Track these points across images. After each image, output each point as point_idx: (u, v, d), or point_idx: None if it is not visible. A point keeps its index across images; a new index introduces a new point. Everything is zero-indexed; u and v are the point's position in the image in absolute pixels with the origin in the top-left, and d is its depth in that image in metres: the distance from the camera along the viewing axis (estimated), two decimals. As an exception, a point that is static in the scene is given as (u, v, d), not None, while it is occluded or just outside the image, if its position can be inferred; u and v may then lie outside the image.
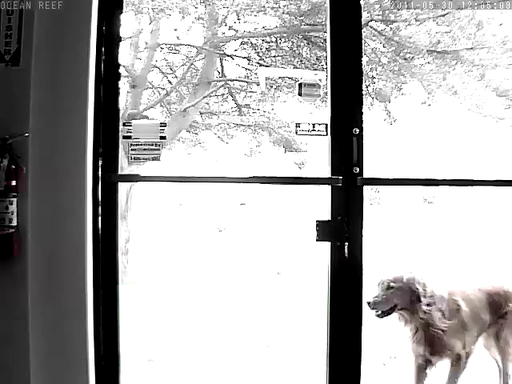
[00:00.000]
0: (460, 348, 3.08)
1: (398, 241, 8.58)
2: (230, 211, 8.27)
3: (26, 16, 2.27)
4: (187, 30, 9.03)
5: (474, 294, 3.17)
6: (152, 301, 5.41)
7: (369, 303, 2.95)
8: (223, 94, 10.26)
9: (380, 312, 3.06)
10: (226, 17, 9.09)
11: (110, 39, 2.38)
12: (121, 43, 2.44)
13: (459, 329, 3.07)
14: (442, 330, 2.98)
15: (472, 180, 2.39)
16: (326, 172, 2.99)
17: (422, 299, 2.98)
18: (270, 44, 9.28)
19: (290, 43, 9.04)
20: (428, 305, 2.99)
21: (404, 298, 2.99)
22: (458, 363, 3.10)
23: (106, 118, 2.38)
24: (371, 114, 8.86)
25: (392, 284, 3.00)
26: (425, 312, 2.98)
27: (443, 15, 8.15)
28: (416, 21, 8.30)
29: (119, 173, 2.42)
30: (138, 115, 7.95)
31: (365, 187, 2.15)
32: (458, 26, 8.21)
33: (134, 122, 2.49)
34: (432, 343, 3.01)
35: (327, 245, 3.00)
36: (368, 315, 2.51)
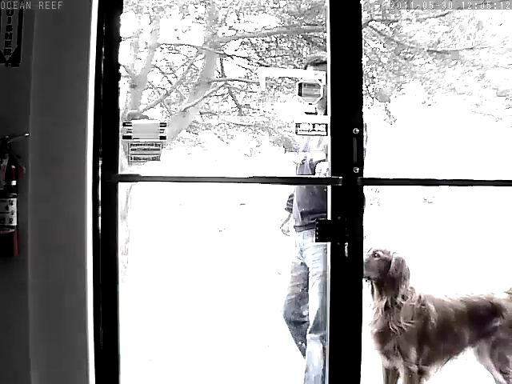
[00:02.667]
0: (414, 359, 2.76)
1: (397, 241, 8.58)
2: (230, 211, 8.27)
3: (26, 16, 2.27)
4: (187, 30, 9.03)
5: (452, 303, 2.85)
6: (152, 301, 5.41)
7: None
8: (223, 94, 10.26)
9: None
10: (226, 17, 9.10)
11: (109, 39, 2.38)
12: (121, 43, 2.44)
13: (420, 339, 2.77)
14: (401, 330, 2.73)
15: (472, 180, 2.39)
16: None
17: (399, 288, 2.80)
18: (270, 44, 9.28)
19: (290, 43, 9.04)
20: (403, 297, 2.79)
21: (382, 272, 2.84)
22: (409, 380, 2.76)
23: (106, 118, 2.38)
24: (371, 113, 8.86)
25: (379, 253, 2.86)
26: (395, 302, 2.78)
27: (443, 15, 8.15)
28: (416, 21, 8.30)
29: (119, 173, 2.41)
30: (138, 115, 7.95)
31: (365, 187, 2.15)
32: (458, 25, 8.21)
33: (133, 121, 2.48)
34: (384, 340, 2.77)
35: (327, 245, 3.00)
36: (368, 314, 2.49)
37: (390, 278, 2.81)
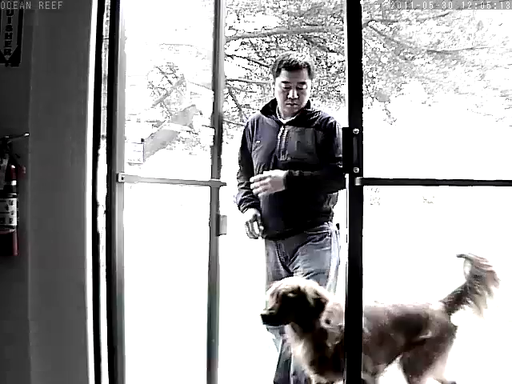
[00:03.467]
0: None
1: (397, 241, 8.59)
2: (230, 211, 8.26)
3: (26, 16, 2.27)
4: (187, 30, 9.03)
5: (384, 311, 2.60)
6: (152, 300, 5.41)
7: (264, 316, 2.54)
8: (223, 94, 10.29)
9: (275, 326, 2.72)
10: (225, 17, 9.11)
11: (109, 39, 2.37)
12: (121, 43, 2.44)
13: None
14: (334, 350, 2.48)
15: (472, 180, 2.38)
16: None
17: (320, 314, 2.52)
18: (270, 44, 9.29)
19: (290, 43, 9.05)
20: (327, 321, 2.52)
21: (300, 311, 2.52)
22: None
23: (106, 118, 2.38)
24: (371, 113, 8.87)
25: (290, 294, 2.51)
26: (321, 329, 2.51)
27: (443, 15, 8.16)
28: (416, 21, 8.31)
29: (121, 173, 2.41)
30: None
31: (365, 187, 2.14)
32: (458, 25, 8.21)
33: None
34: (320, 366, 2.55)
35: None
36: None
37: (307, 315, 2.52)
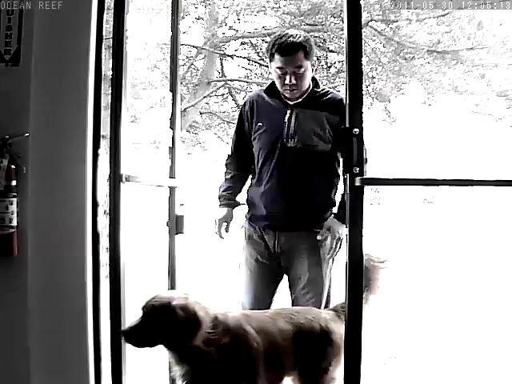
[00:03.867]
0: None
1: (397, 241, 8.58)
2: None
3: (26, 16, 2.27)
4: (187, 30, 9.04)
5: (276, 323, 2.31)
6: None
7: (125, 333, 2.15)
8: (223, 94, 10.28)
9: (139, 343, 2.15)
10: (226, 17, 9.11)
11: (113, 39, 2.37)
12: (121, 43, 2.44)
13: (246, 368, 2.19)
14: (224, 372, 2.13)
15: (472, 180, 2.37)
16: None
17: (194, 336, 2.09)
18: (270, 44, 9.29)
19: (290, 43, 9.04)
20: (207, 343, 2.12)
21: (167, 332, 2.10)
22: None
23: (109, 119, 2.38)
24: (371, 113, 8.87)
25: (156, 311, 2.12)
26: (198, 348, 2.12)
27: (443, 15, 8.16)
28: (416, 21, 8.31)
29: (122, 173, 2.41)
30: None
31: (365, 187, 2.14)
32: (458, 25, 8.21)
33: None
34: None
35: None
36: (368, 315, 2.48)
37: (180, 333, 2.11)
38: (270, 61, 2.66)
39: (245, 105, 2.80)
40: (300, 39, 2.59)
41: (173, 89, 2.75)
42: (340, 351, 2.24)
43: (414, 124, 9.37)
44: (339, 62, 9.07)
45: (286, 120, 2.66)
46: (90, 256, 2.33)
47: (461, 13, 8.05)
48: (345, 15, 2.13)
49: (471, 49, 8.20)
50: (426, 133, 9.40)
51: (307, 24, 8.67)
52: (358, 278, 2.10)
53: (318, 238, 2.68)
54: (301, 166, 2.66)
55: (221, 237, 2.77)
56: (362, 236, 2.10)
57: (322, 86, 2.75)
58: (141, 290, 2.53)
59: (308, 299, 2.66)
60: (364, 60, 8.25)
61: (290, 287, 2.76)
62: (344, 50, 2.14)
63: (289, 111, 2.68)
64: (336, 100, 2.67)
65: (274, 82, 2.72)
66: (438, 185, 2.75)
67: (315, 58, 2.67)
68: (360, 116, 2.10)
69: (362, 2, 2.13)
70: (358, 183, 2.07)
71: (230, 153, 2.85)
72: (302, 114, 2.66)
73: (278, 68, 2.61)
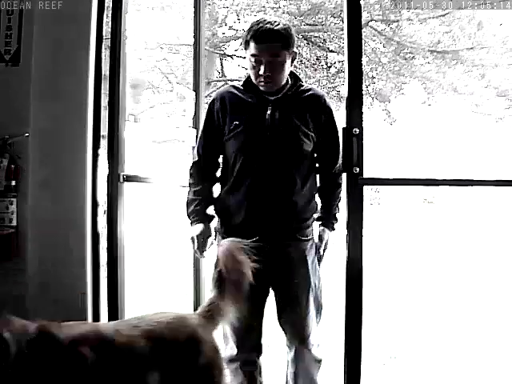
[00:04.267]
0: None
1: (397, 241, 8.58)
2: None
3: (26, 16, 2.27)
4: (187, 30, 9.04)
5: (128, 338, 1.82)
6: (151, 300, 5.41)
7: None
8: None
9: None
10: (226, 17, 9.12)
11: (110, 39, 2.38)
12: (121, 43, 2.44)
13: None
14: None
15: (472, 180, 2.38)
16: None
17: None
18: (270, 44, 9.29)
19: (290, 43, 9.05)
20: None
21: None
22: None
23: (108, 118, 2.38)
24: (371, 113, 8.88)
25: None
26: None
27: (443, 15, 8.17)
28: (416, 21, 8.32)
29: (123, 173, 2.41)
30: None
31: (365, 187, 2.14)
32: (458, 25, 8.22)
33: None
34: None
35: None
36: (368, 315, 2.48)
37: None
38: (245, 49, 2.34)
39: (213, 102, 2.41)
40: (278, 27, 2.29)
41: (196, 88, 2.67)
42: (215, 366, 1.88)
43: (414, 124, 9.37)
44: (339, 61, 9.07)
45: (268, 117, 2.32)
46: (90, 256, 2.33)
47: (461, 13, 8.05)
48: (345, 15, 2.13)
49: (471, 49, 8.21)
50: (425, 133, 9.40)
51: (307, 24, 8.67)
52: (358, 278, 2.11)
53: (309, 249, 2.34)
54: (286, 167, 2.33)
55: (201, 255, 2.36)
56: (362, 236, 2.10)
57: (302, 82, 2.42)
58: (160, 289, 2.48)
59: (297, 312, 2.30)
60: (364, 60, 8.25)
61: (278, 303, 2.36)
62: (344, 50, 2.14)
63: (270, 107, 2.34)
64: (318, 97, 2.38)
65: (249, 77, 2.38)
66: (437, 185, 2.76)
67: (296, 51, 2.36)
68: (360, 116, 2.11)
69: (362, 2, 2.13)
70: (358, 183, 2.08)
71: (195, 159, 2.43)
72: (285, 111, 2.34)
73: (252, 56, 2.29)
